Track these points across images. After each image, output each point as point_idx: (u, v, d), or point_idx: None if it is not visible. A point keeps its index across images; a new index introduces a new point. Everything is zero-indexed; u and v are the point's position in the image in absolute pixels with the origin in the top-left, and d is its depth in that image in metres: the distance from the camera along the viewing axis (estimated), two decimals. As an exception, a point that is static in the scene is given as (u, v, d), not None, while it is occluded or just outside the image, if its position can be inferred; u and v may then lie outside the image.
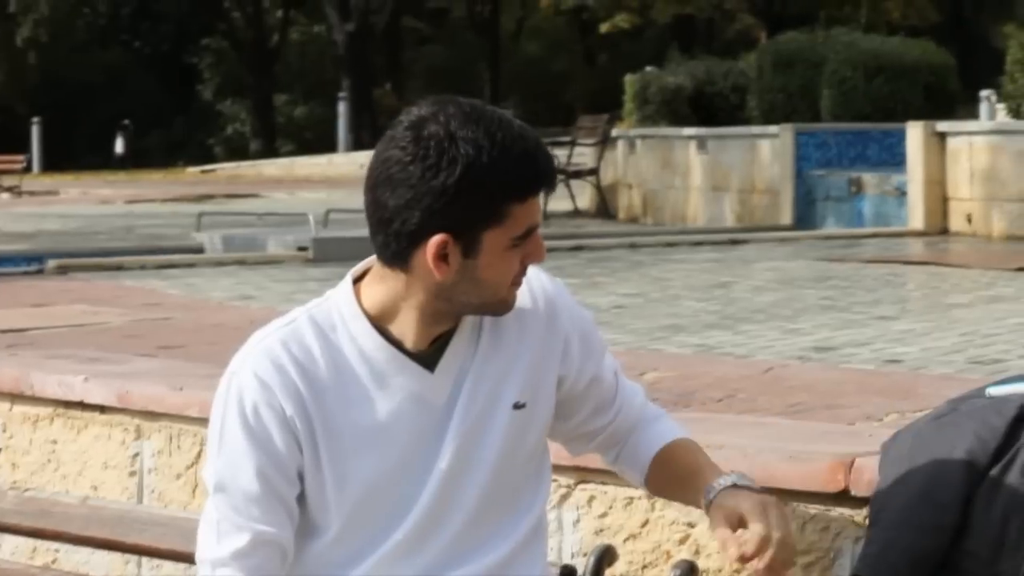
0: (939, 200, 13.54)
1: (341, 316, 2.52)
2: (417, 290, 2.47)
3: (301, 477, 2.52)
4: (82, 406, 4.25)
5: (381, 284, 2.51)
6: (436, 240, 2.41)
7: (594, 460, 2.86)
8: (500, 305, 2.51)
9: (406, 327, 2.51)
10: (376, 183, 2.44)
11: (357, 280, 2.55)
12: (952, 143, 13.55)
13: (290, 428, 2.49)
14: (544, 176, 2.45)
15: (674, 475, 2.72)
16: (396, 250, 2.44)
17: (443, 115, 2.41)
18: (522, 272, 2.50)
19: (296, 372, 2.49)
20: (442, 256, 2.42)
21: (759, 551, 2.47)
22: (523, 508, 2.62)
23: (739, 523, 2.53)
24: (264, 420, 2.48)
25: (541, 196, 2.48)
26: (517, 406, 2.57)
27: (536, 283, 2.62)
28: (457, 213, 2.40)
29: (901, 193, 14.10)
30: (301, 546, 2.56)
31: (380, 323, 2.51)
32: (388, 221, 2.43)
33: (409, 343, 2.51)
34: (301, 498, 2.54)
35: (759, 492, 2.59)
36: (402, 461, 2.53)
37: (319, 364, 2.50)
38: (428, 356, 2.53)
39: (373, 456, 2.52)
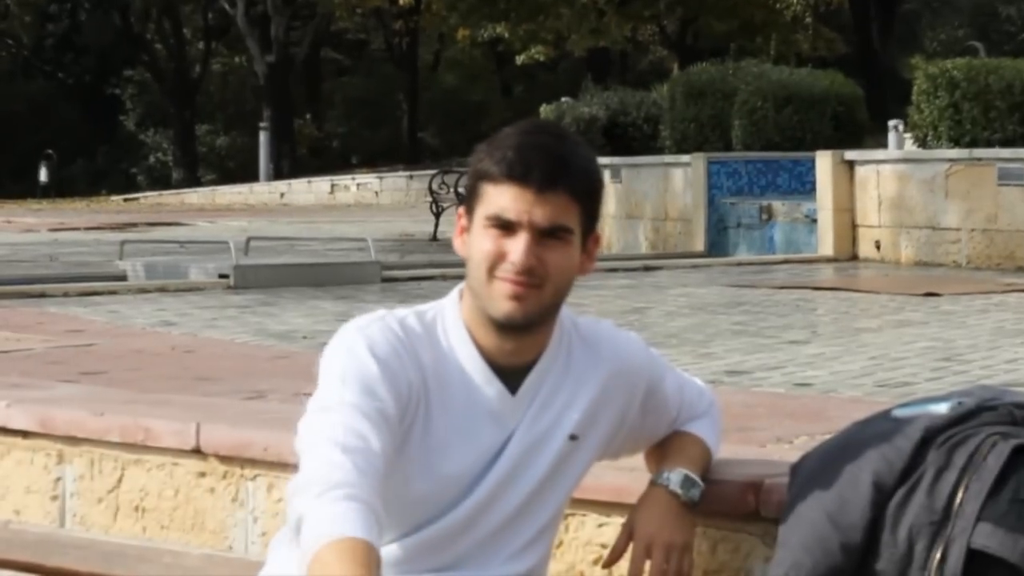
0: (848, 227, 13.68)
1: (443, 319, 2.70)
2: (468, 279, 2.65)
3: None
4: (5, 431, 4.22)
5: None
6: (459, 212, 2.69)
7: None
8: (491, 305, 2.61)
9: (482, 334, 2.66)
10: None
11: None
12: (860, 171, 13.68)
13: (406, 394, 2.60)
14: (519, 170, 2.57)
15: (652, 452, 2.96)
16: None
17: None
18: (509, 270, 2.59)
19: (418, 345, 2.64)
20: (461, 228, 2.67)
21: None
22: (541, 543, 2.78)
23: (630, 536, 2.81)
24: (393, 366, 2.59)
25: (533, 200, 2.57)
26: (572, 437, 2.75)
27: (608, 331, 2.82)
28: (467, 191, 2.66)
29: (811, 220, 14.19)
30: None
31: (472, 331, 2.67)
32: None
33: (492, 353, 2.67)
34: None
35: (676, 514, 2.81)
36: (463, 466, 2.68)
37: (427, 353, 2.65)
38: (515, 377, 2.70)
39: (451, 454, 2.66)
